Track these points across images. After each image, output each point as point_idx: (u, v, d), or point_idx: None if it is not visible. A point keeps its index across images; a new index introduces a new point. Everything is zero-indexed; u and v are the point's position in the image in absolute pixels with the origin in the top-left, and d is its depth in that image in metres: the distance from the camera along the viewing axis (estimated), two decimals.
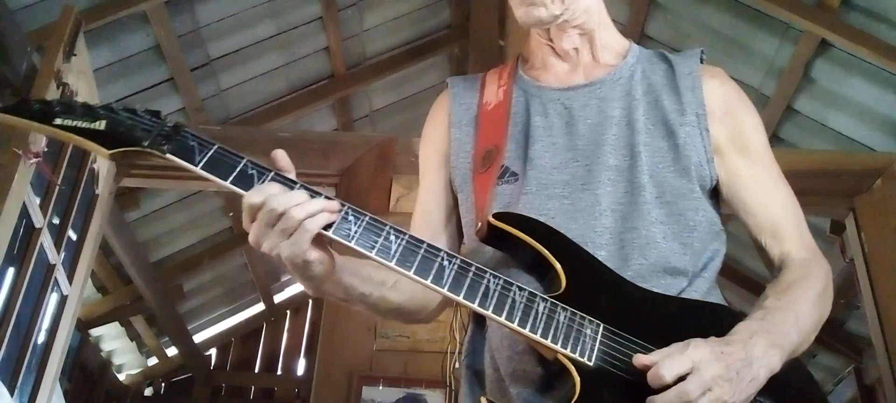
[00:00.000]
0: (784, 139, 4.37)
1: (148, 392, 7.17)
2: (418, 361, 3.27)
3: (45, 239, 2.97)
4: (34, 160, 2.75)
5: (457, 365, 3.20)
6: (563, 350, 1.08)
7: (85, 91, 3.16)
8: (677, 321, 1.14)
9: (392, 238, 1.09)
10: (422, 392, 3.21)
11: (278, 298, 7.32)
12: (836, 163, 3.61)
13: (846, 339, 5.07)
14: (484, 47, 4.45)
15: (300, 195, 1.05)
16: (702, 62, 1.38)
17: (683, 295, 1.20)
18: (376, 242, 1.08)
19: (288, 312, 7.65)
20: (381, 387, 3.20)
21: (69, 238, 3.25)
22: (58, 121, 1.10)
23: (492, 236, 1.20)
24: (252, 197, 1.05)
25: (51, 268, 3.07)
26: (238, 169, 1.08)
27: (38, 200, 2.93)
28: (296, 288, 7.44)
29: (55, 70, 2.88)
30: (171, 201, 5.17)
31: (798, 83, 4.04)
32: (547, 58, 1.40)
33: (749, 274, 4.92)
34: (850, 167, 3.58)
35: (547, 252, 1.16)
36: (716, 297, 1.25)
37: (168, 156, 1.08)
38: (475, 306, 1.09)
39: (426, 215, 1.39)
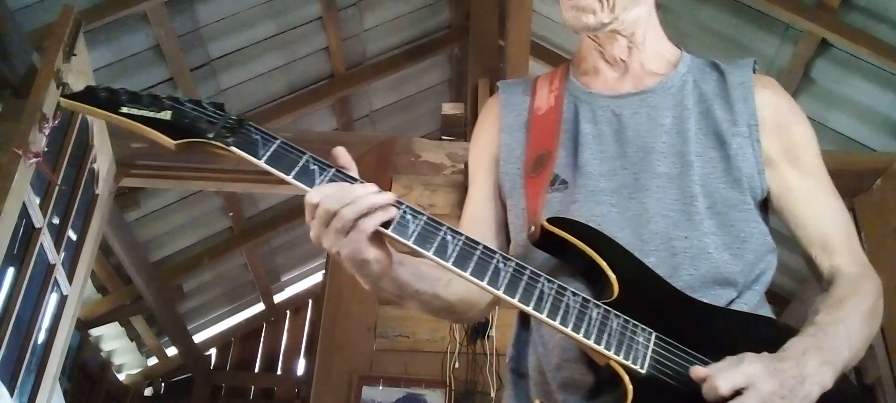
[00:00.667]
0: None
1: (148, 392, 7.18)
2: (418, 361, 3.27)
3: (45, 239, 2.97)
4: (34, 160, 2.75)
5: (456, 365, 3.20)
6: (615, 357, 1.09)
7: None
8: (728, 333, 1.15)
9: (448, 238, 1.09)
10: (422, 392, 3.20)
11: (278, 298, 7.32)
12: (836, 163, 3.58)
13: None
14: (484, 47, 4.44)
15: (353, 193, 1.05)
16: (754, 72, 1.37)
17: (733, 307, 1.20)
18: (434, 242, 1.08)
19: (288, 312, 7.66)
20: (381, 387, 3.20)
21: (69, 238, 3.25)
22: (124, 109, 1.10)
23: (544, 241, 1.21)
24: (310, 197, 1.06)
25: (51, 268, 3.07)
26: (300, 164, 1.09)
27: (38, 200, 2.93)
28: (296, 288, 7.46)
29: (55, 70, 2.88)
30: (171, 201, 5.17)
31: (798, 83, 4.04)
32: (597, 63, 1.40)
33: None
34: (850, 167, 3.58)
35: (600, 259, 1.17)
36: (765, 311, 1.25)
37: (232, 149, 1.08)
38: (530, 309, 1.09)
39: (475, 220, 1.39)
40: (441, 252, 1.08)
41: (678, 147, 1.28)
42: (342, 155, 1.11)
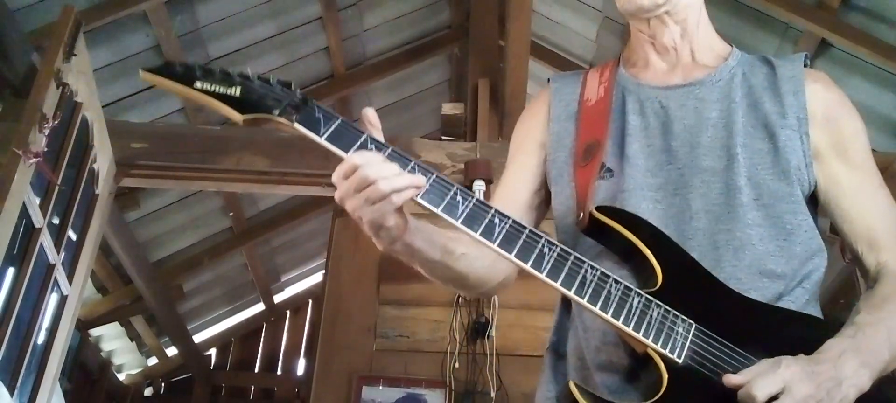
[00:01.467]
0: None
1: (148, 392, 7.17)
2: (418, 361, 3.27)
3: (45, 239, 2.96)
4: (34, 160, 2.75)
5: (456, 365, 3.20)
6: (653, 345, 1.11)
7: (85, 91, 3.16)
8: (770, 329, 1.15)
9: (496, 220, 1.12)
10: (422, 392, 3.20)
11: (278, 298, 7.31)
12: None
13: None
14: (484, 47, 4.44)
15: (393, 168, 1.08)
16: (806, 66, 1.37)
17: (780, 303, 1.20)
18: (482, 223, 1.12)
19: (288, 312, 7.65)
20: (381, 387, 3.20)
21: (69, 238, 3.25)
22: (198, 84, 1.15)
23: (592, 228, 1.23)
24: (353, 158, 1.09)
25: (51, 268, 3.07)
26: (359, 142, 1.12)
27: (38, 200, 2.93)
28: (296, 288, 7.45)
29: (55, 70, 2.88)
30: (171, 201, 5.17)
31: None
32: (648, 55, 1.40)
33: None
34: None
35: (646, 249, 1.19)
36: (813, 310, 1.24)
37: (296, 125, 1.12)
38: (571, 294, 1.12)
39: (508, 197, 1.41)
40: (488, 233, 1.11)
41: (724, 140, 1.28)
42: (370, 116, 1.15)
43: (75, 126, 3.11)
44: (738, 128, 1.29)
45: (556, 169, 1.38)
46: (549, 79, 1.51)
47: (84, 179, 3.26)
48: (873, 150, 4.20)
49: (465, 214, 1.11)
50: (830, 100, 1.34)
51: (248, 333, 7.50)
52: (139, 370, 6.95)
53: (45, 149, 2.84)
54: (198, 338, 6.95)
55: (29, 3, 3.55)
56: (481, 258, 1.26)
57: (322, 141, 1.12)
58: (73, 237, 3.34)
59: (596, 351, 1.22)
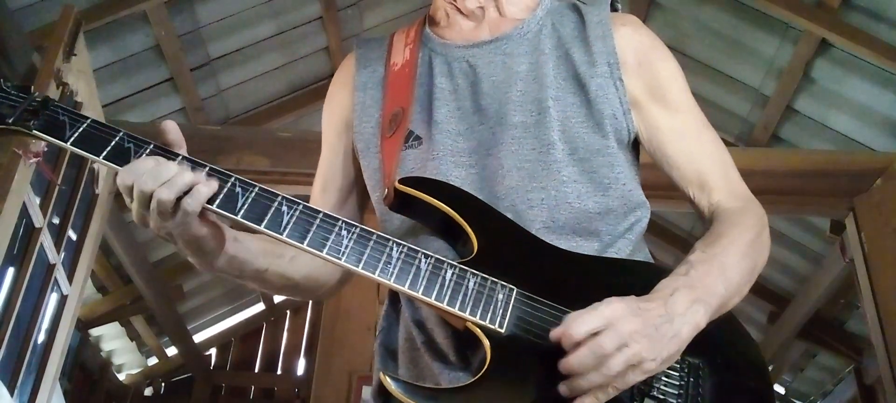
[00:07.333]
0: (784, 139, 4.37)
1: (148, 392, 7.17)
2: None
3: (45, 239, 2.97)
4: (34, 160, 2.75)
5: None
6: (471, 318, 1.01)
7: (85, 91, 3.16)
8: (597, 281, 1.09)
9: (284, 209, 1.02)
10: None
11: (278, 298, 7.32)
12: (836, 163, 3.61)
13: (846, 339, 5.07)
14: None
15: (170, 170, 0.98)
16: (616, 10, 1.32)
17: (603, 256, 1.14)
18: (266, 214, 1.02)
19: (288, 312, 7.66)
20: None
21: (69, 238, 3.25)
22: None
23: (400, 202, 1.14)
24: (123, 177, 0.99)
25: (51, 268, 3.07)
26: (113, 143, 1.02)
27: (38, 200, 2.93)
28: None
29: (55, 70, 2.88)
30: None
31: (798, 83, 4.04)
32: (451, 14, 1.34)
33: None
34: (850, 167, 3.58)
35: (456, 215, 1.10)
36: (642, 257, 1.20)
37: (35, 132, 1.02)
38: (375, 276, 1.02)
39: (326, 183, 1.34)
40: (274, 224, 1.01)
41: (534, 93, 1.21)
42: (171, 130, 1.05)
43: None
44: (549, 80, 1.22)
45: (362, 141, 1.28)
46: (353, 42, 1.42)
47: (84, 179, 3.26)
48: (873, 150, 4.19)
49: (245, 207, 1.01)
50: (641, 43, 1.27)
51: (248, 333, 7.51)
52: (139, 370, 6.96)
53: (45, 149, 2.85)
54: (198, 338, 6.95)
55: (29, 3, 3.54)
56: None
57: (69, 146, 1.02)
58: (73, 237, 3.34)
59: (420, 334, 1.13)
